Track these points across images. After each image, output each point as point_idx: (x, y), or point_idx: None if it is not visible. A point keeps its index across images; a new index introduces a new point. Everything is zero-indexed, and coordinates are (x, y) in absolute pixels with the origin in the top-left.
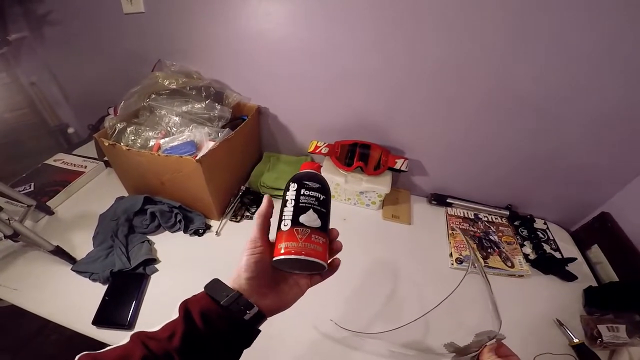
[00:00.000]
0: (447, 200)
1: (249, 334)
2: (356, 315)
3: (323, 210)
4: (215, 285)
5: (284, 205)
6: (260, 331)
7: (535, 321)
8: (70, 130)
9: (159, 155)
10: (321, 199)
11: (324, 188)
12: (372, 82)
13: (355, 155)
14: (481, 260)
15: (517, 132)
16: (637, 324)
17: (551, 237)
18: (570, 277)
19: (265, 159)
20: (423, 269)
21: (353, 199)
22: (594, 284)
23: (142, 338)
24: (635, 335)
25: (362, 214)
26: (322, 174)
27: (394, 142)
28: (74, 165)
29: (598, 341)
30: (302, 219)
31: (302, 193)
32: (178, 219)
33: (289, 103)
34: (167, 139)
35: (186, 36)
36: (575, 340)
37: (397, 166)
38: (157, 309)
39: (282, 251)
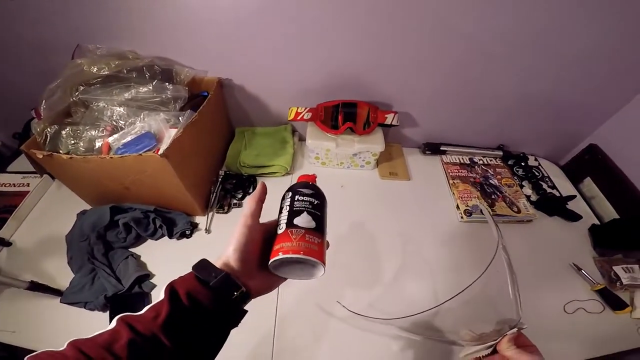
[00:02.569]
0: (441, 148)
1: (236, 313)
2: (369, 288)
3: (318, 213)
4: (203, 266)
5: (280, 212)
6: (246, 311)
7: (552, 267)
8: None
9: (111, 157)
10: (315, 203)
11: (319, 194)
12: (351, 35)
13: (342, 115)
14: (488, 209)
15: (502, 74)
16: None
17: (546, 174)
18: (575, 217)
19: (239, 136)
20: (433, 227)
21: (346, 163)
22: (595, 221)
23: (127, 320)
24: None
25: (358, 177)
26: (317, 184)
27: (380, 97)
28: (14, 185)
29: (618, 284)
30: (296, 220)
31: (296, 199)
32: (158, 225)
33: (255, 70)
34: (116, 136)
35: (106, 11)
36: (597, 285)
37: (388, 121)
38: None
39: (277, 252)
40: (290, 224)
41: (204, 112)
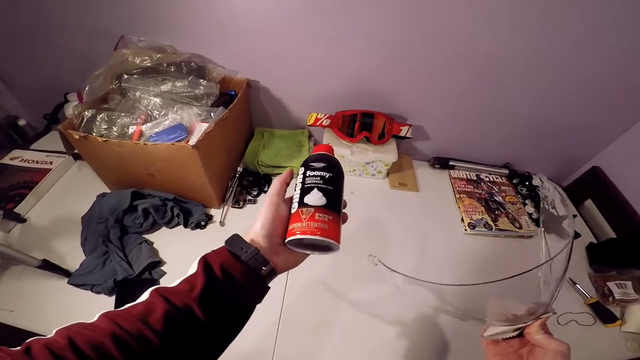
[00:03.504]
0: (450, 163)
1: (263, 289)
2: (374, 289)
3: (329, 187)
4: (234, 241)
5: (294, 190)
6: (270, 287)
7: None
8: (22, 122)
9: (145, 144)
10: (327, 177)
11: (331, 166)
12: (371, 48)
13: (359, 125)
14: (492, 223)
15: (514, 95)
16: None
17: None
18: (573, 236)
19: (258, 136)
20: (437, 237)
21: (358, 170)
22: (593, 239)
23: (162, 292)
24: None
25: (369, 185)
26: (332, 154)
27: (396, 109)
28: (37, 162)
29: (610, 299)
30: (307, 199)
31: (307, 175)
32: (175, 213)
33: (281, 74)
34: (149, 125)
35: (152, 5)
36: (590, 299)
37: (403, 133)
38: None
39: (290, 232)
40: (301, 203)
41: (233, 110)
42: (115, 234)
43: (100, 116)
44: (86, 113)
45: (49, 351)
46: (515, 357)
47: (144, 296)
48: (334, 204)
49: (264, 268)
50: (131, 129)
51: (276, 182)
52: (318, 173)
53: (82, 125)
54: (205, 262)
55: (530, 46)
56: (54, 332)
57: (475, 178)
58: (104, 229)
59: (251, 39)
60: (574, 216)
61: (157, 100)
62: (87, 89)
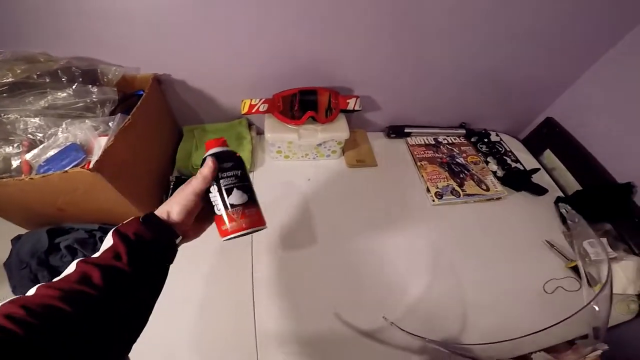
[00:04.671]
0: (405, 131)
1: (174, 252)
2: (349, 286)
3: (244, 183)
4: (150, 216)
5: (210, 192)
6: (177, 250)
7: (527, 245)
8: None
9: (31, 178)
10: (239, 174)
11: (237, 162)
12: (302, 16)
13: (302, 104)
14: (458, 189)
15: (456, 51)
16: (612, 234)
17: (508, 149)
18: (541, 191)
19: (188, 135)
20: (405, 214)
21: (311, 154)
22: (559, 193)
23: (90, 261)
24: (618, 247)
25: (324, 167)
26: (227, 147)
27: (340, 82)
28: None
29: (587, 259)
30: (231, 200)
31: (220, 177)
32: None
33: (196, 62)
34: (35, 151)
35: (5, 9)
36: (571, 262)
37: (350, 106)
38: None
39: (228, 231)
40: (226, 205)
41: (140, 113)
42: (44, 277)
43: None
44: None
45: (10, 319)
46: None
47: (72, 267)
48: (252, 195)
49: (175, 239)
50: (15, 162)
51: (200, 180)
52: (231, 173)
53: None
54: (120, 233)
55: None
56: None
57: (433, 142)
58: (29, 273)
59: (148, 25)
60: (537, 170)
61: (37, 120)
62: None
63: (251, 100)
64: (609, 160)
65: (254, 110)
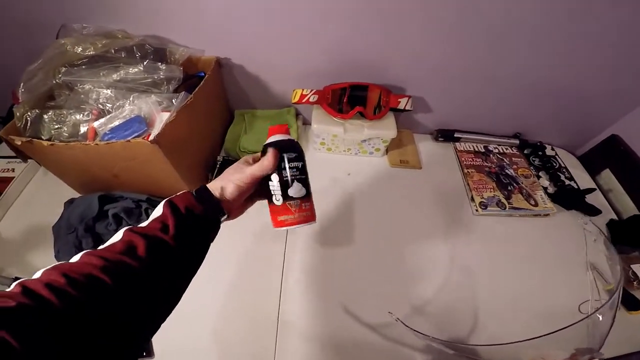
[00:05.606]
0: (455, 135)
1: (217, 230)
2: (380, 284)
3: (304, 176)
4: (201, 190)
5: (270, 180)
6: (220, 226)
7: (568, 264)
8: None
9: (96, 144)
10: (300, 167)
11: (300, 153)
12: (362, 11)
13: (351, 99)
14: (505, 201)
15: (521, 58)
16: None
17: (563, 165)
18: (594, 212)
19: (239, 119)
20: (446, 221)
21: (354, 149)
22: (613, 216)
23: (137, 231)
24: None
25: (366, 164)
26: (289, 135)
27: (392, 80)
28: None
29: (635, 283)
30: (291, 192)
31: (283, 167)
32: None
33: (256, 49)
34: (102, 120)
35: None
36: (611, 284)
37: (401, 106)
38: (167, 326)
39: (284, 223)
40: (285, 197)
41: (200, 93)
42: (88, 244)
43: (48, 115)
44: (29, 114)
45: (50, 288)
46: None
47: (119, 235)
48: (309, 190)
49: (221, 217)
50: (84, 128)
51: (260, 171)
52: (294, 164)
53: (29, 127)
54: (172, 204)
55: (538, 2)
56: (41, 272)
57: (483, 150)
58: (75, 239)
59: (216, 11)
60: (592, 190)
61: (109, 91)
62: (21, 87)
63: (302, 90)
64: None
65: (304, 100)
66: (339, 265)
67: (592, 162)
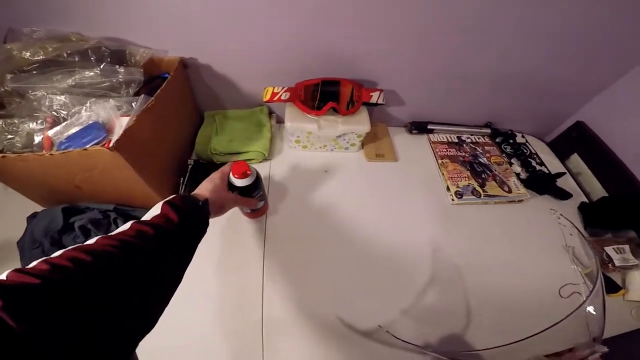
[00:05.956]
0: (428, 127)
1: (207, 223)
2: (374, 286)
3: (262, 194)
4: (187, 196)
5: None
6: (208, 224)
7: (545, 249)
8: None
9: (51, 154)
10: (260, 194)
11: (258, 183)
12: (329, 8)
13: (324, 95)
14: (479, 189)
15: (487, 49)
16: (636, 241)
17: (533, 151)
18: (565, 195)
19: (209, 120)
20: (423, 211)
21: (330, 145)
22: (584, 199)
23: (144, 222)
24: None
25: (343, 160)
26: (250, 173)
27: (364, 74)
28: None
29: (610, 265)
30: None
31: (249, 196)
32: (119, 225)
33: (223, 48)
34: (58, 128)
35: None
36: (589, 268)
37: (373, 100)
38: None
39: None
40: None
41: (163, 95)
42: None
43: None
44: None
45: (74, 262)
46: None
47: (126, 226)
48: (266, 199)
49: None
50: (38, 137)
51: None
52: (255, 193)
53: None
54: (171, 203)
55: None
56: (61, 251)
57: (456, 140)
58: (41, 254)
59: (178, 9)
60: (562, 174)
61: (63, 97)
62: None
63: (273, 88)
64: (637, 166)
65: (275, 99)
66: (317, 259)
67: (561, 147)
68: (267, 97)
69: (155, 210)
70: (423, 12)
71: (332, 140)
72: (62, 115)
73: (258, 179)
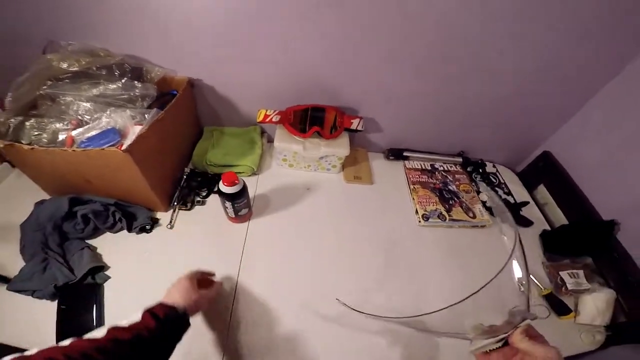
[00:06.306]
0: (404, 154)
1: (186, 328)
2: (343, 287)
3: (247, 201)
4: (163, 304)
5: (224, 204)
6: (189, 325)
7: (502, 272)
8: None
9: (73, 150)
10: (245, 202)
11: (244, 192)
12: (317, 39)
13: (310, 119)
14: (445, 214)
15: (461, 81)
16: (592, 268)
17: (502, 181)
18: (526, 223)
19: (207, 135)
20: (394, 230)
21: (313, 166)
22: (547, 227)
23: (119, 327)
24: (594, 280)
25: (324, 180)
26: (237, 182)
27: (347, 102)
28: None
29: (563, 289)
30: (238, 213)
31: (234, 202)
32: (117, 218)
33: (225, 72)
34: (80, 130)
35: (80, 9)
36: (545, 290)
37: (354, 126)
38: (124, 312)
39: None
40: (235, 215)
41: (171, 110)
42: (54, 241)
43: (29, 122)
44: (12, 121)
45: None
46: None
47: (102, 330)
48: (250, 206)
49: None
50: (62, 135)
51: (193, 278)
52: (240, 200)
53: (10, 132)
54: (151, 312)
55: (470, 28)
56: (36, 350)
57: (429, 168)
58: (42, 236)
59: (190, 36)
60: (526, 203)
61: (88, 104)
62: (9, 96)
63: (266, 110)
64: (596, 195)
65: (267, 120)
66: (293, 263)
67: (529, 177)
68: (260, 118)
69: (136, 316)
70: (399, 48)
71: (316, 161)
72: (86, 119)
73: (244, 189)
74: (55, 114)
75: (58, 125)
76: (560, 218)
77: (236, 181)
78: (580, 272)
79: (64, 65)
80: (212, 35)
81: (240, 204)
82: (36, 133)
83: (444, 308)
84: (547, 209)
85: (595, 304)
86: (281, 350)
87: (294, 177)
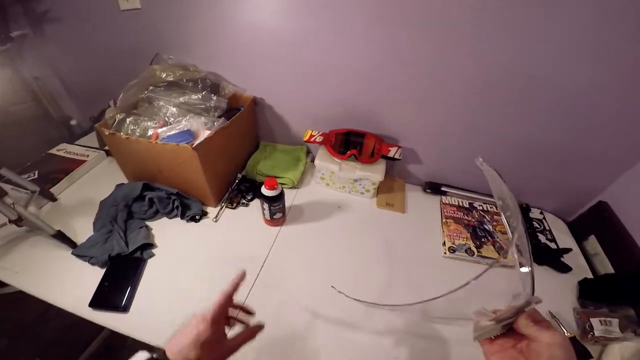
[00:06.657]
0: (442, 189)
1: None
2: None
3: (282, 207)
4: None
5: (262, 205)
6: None
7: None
8: (73, 122)
9: (156, 143)
10: (281, 206)
11: (281, 197)
12: (365, 72)
13: (350, 143)
14: (474, 249)
15: (511, 121)
16: (631, 319)
17: (547, 228)
18: (564, 269)
19: (262, 148)
20: (416, 257)
21: (347, 187)
22: (590, 276)
23: None
24: (628, 330)
25: (356, 202)
26: (276, 188)
27: (388, 131)
28: (77, 154)
29: (590, 335)
30: (273, 217)
31: (271, 205)
32: (175, 205)
33: (284, 94)
34: (165, 129)
35: (181, 30)
36: (567, 334)
37: (391, 154)
38: (152, 293)
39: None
40: (270, 218)
41: (235, 122)
42: (122, 217)
43: (129, 119)
44: (118, 116)
45: None
46: (515, 352)
47: None
48: (285, 212)
49: None
50: (150, 131)
51: (219, 310)
52: (276, 204)
53: (114, 125)
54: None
55: (527, 68)
56: None
57: (467, 206)
58: (114, 211)
59: (259, 61)
60: (569, 250)
61: (174, 109)
62: (121, 96)
63: (312, 131)
64: None
65: (312, 140)
66: (313, 271)
67: (580, 228)
68: (306, 138)
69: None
70: (448, 79)
71: (350, 183)
72: (170, 121)
73: (281, 195)
74: (149, 114)
75: (149, 124)
76: (607, 269)
77: (275, 186)
78: (615, 321)
79: (163, 75)
80: (275, 63)
81: (276, 208)
82: (132, 127)
83: (446, 294)
84: (595, 260)
85: (621, 353)
86: (281, 350)
87: (328, 196)
